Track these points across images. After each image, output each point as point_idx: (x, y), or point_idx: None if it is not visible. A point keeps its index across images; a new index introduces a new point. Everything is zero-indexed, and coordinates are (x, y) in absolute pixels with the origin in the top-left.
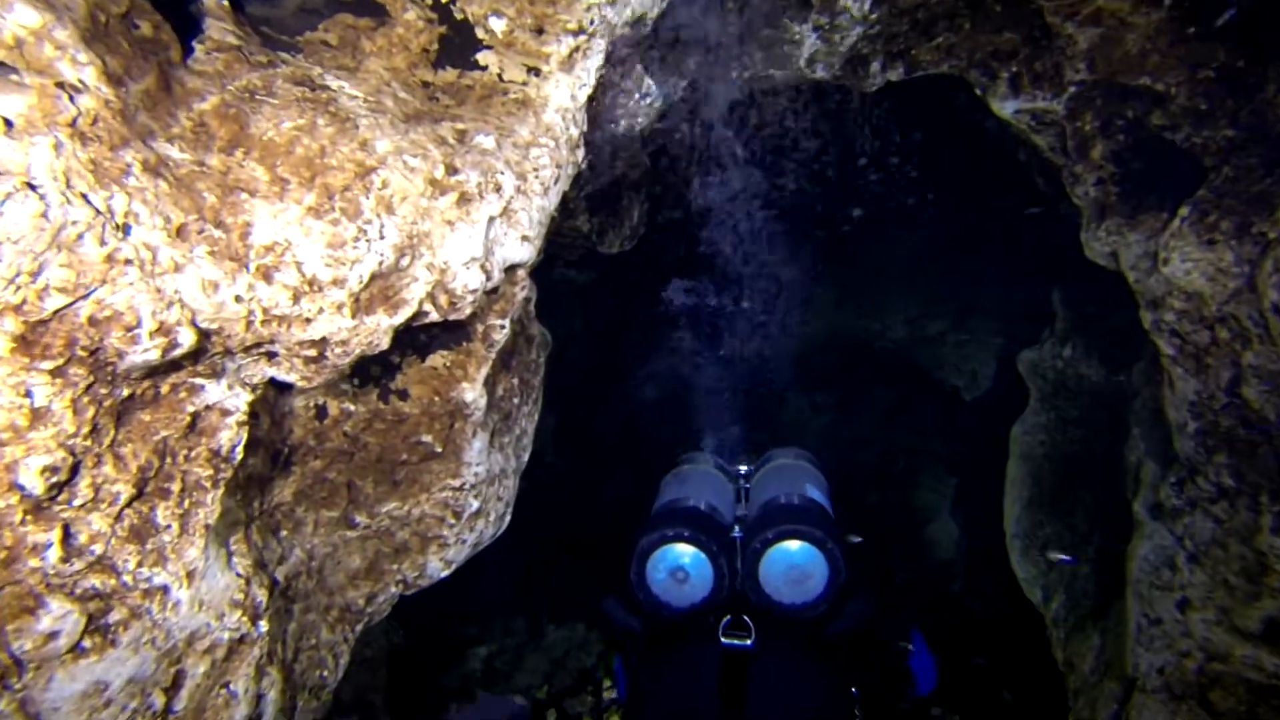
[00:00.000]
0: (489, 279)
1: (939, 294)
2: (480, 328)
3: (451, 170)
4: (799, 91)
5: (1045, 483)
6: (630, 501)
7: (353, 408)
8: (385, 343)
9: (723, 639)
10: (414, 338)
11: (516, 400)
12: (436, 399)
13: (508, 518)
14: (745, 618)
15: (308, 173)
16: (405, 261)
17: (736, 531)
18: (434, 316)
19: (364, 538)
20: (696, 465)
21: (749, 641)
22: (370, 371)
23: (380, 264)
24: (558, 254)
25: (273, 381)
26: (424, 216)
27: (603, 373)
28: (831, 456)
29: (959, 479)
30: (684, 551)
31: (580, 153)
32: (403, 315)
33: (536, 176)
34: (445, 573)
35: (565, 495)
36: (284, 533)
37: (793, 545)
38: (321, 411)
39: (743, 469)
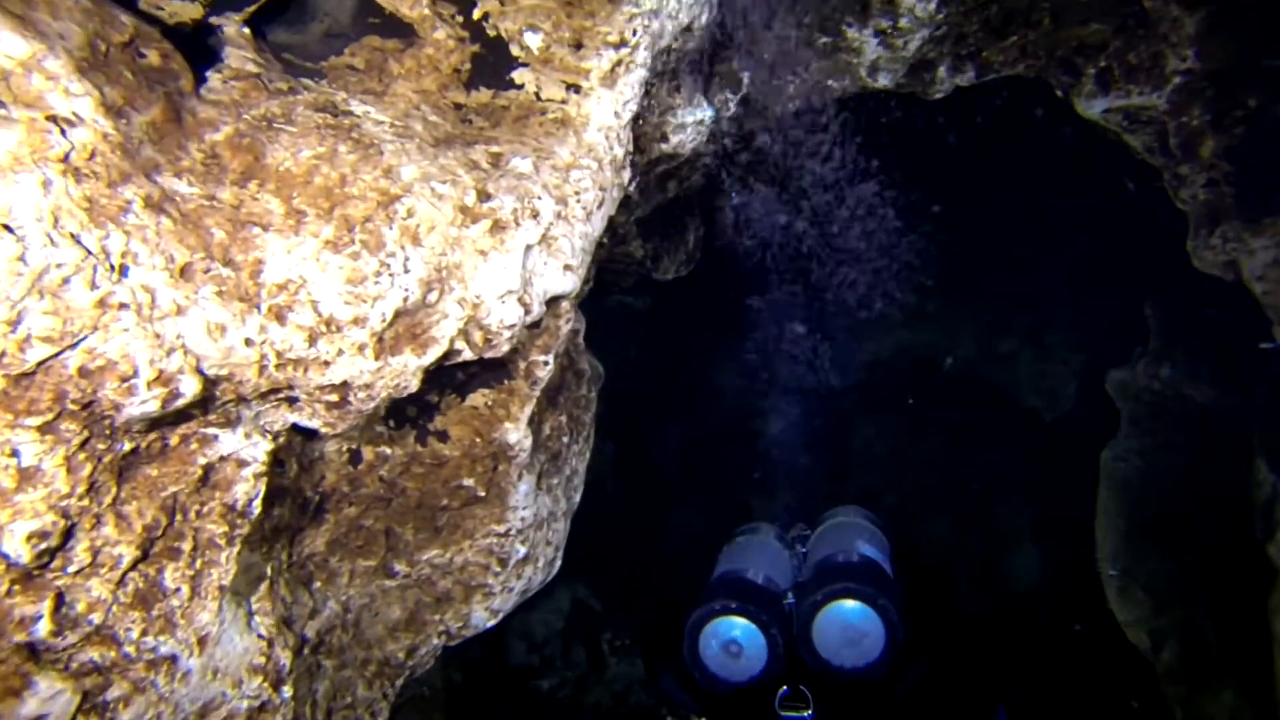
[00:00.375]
0: (528, 313)
1: (1011, 309)
2: (522, 364)
3: (484, 196)
4: (860, 101)
5: (1144, 514)
6: (691, 532)
7: (389, 451)
8: (414, 385)
9: (781, 712)
10: (451, 376)
11: (565, 439)
12: (478, 440)
13: (558, 562)
14: (803, 688)
15: (326, 204)
16: (433, 297)
17: (790, 599)
18: (468, 355)
19: (404, 587)
20: (754, 536)
21: (808, 713)
22: (406, 412)
23: (405, 300)
24: (612, 281)
25: (297, 428)
26: (454, 247)
27: (661, 401)
28: (901, 482)
29: (1040, 505)
30: (735, 624)
31: (626, 174)
32: (432, 355)
33: (578, 200)
34: (491, 623)
35: (625, 525)
36: (317, 584)
37: (846, 604)
38: (355, 456)
39: (804, 533)
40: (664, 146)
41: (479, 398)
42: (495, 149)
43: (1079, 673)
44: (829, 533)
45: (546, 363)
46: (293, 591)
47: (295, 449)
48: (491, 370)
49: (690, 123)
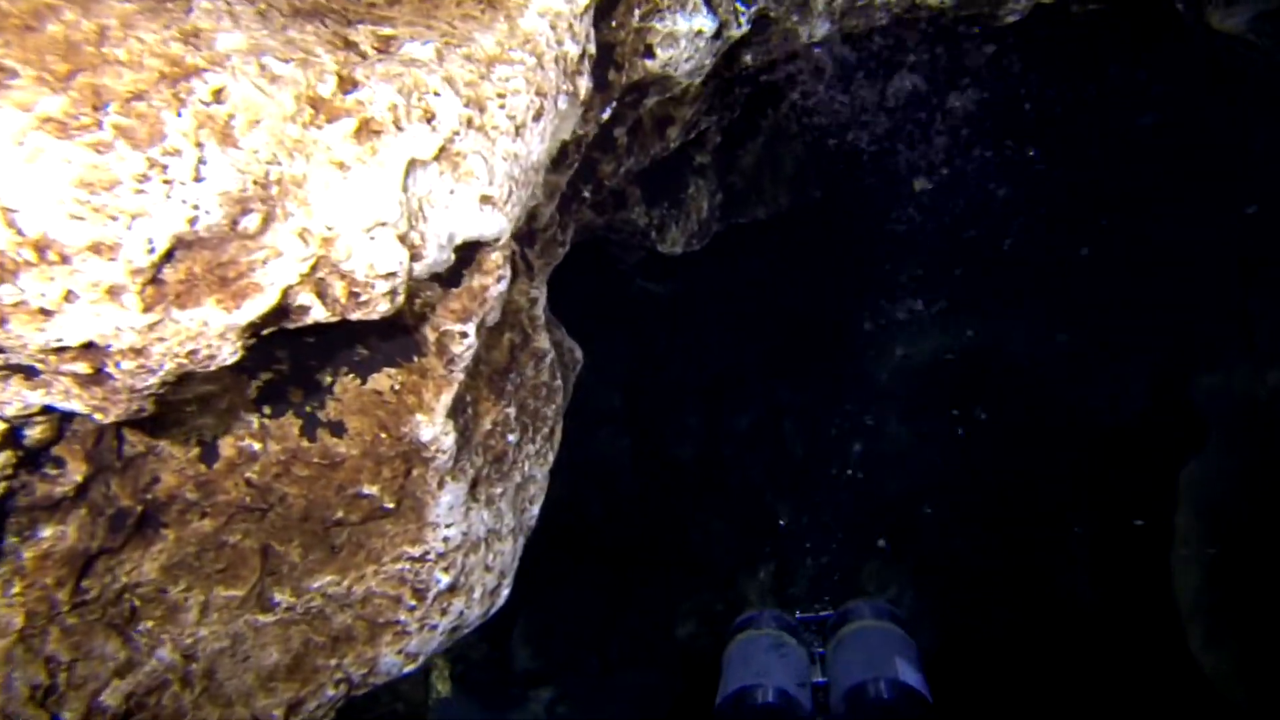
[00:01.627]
0: (418, 257)
1: (1070, 299)
2: (432, 336)
3: (349, 85)
4: (906, 27)
5: (1238, 548)
6: (714, 534)
7: (259, 446)
8: (229, 353)
9: None
10: (350, 347)
11: (513, 437)
12: (384, 436)
13: (504, 592)
14: None
15: (62, 64)
16: (252, 222)
17: None
18: (321, 314)
19: (286, 623)
20: (760, 631)
21: None
22: (288, 396)
23: (194, 223)
24: (618, 256)
25: (52, 410)
26: (294, 153)
27: (686, 397)
28: (939, 494)
29: (1091, 522)
30: None
31: (584, 83)
32: (254, 310)
33: (503, 107)
34: (409, 668)
35: (643, 524)
36: (146, 624)
37: None
38: (209, 452)
39: (820, 614)
40: (649, 64)
41: (383, 379)
42: (387, 30)
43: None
44: (854, 642)
45: (465, 335)
46: (79, 644)
47: (82, 439)
48: (394, 342)
49: (684, 32)
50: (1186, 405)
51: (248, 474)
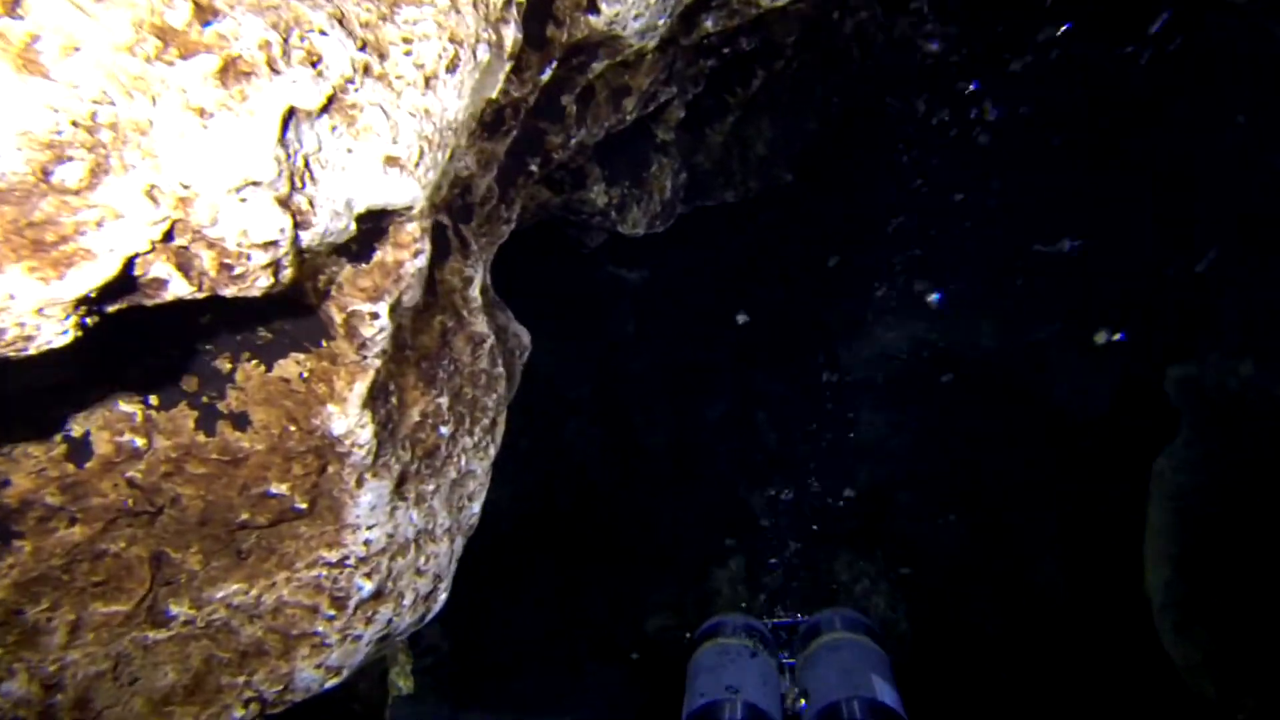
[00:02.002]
0: (308, 225)
1: (1042, 289)
2: (338, 316)
3: (206, 15)
4: None
5: (1209, 540)
6: (685, 525)
7: (142, 442)
8: (53, 333)
9: None
10: (250, 329)
11: (446, 429)
12: (293, 429)
13: (441, 596)
14: None
15: None
16: (72, 174)
17: None
18: (183, 288)
19: (184, 639)
20: (729, 640)
21: None
22: (182, 385)
23: None
24: (577, 239)
25: None
26: (133, 91)
27: (657, 386)
28: (913, 483)
29: (1062, 513)
30: None
31: (511, 33)
32: (83, 281)
33: (409, 54)
34: (331, 682)
35: (611, 514)
36: None
37: None
38: (77, 449)
39: (787, 621)
40: (593, 21)
41: (291, 366)
42: None
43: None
44: (826, 656)
45: (376, 316)
46: None
47: None
48: (301, 323)
49: None
50: (1158, 396)
51: (130, 473)
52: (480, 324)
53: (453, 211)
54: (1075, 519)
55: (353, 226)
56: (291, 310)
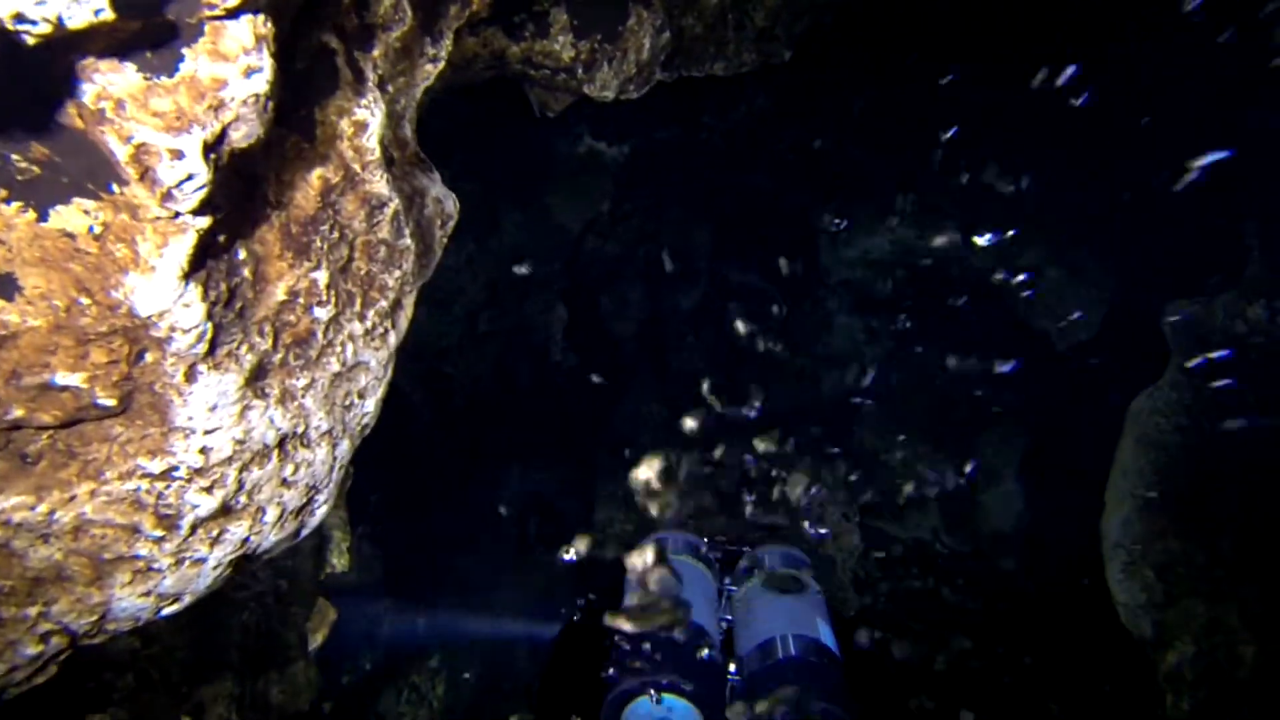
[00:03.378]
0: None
1: (1043, 211)
2: (122, 150)
3: None
4: None
5: (1176, 483)
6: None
7: None
8: None
9: None
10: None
11: (324, 311)
12: (86, 302)
13: (319, 510)
14: None
15: None
16: None
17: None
18: None
19: None
20: (672, 556)
21: None
22: None
23: None
24: (543, 101)
25: None
26: None
27: (628, 270)
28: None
29: (1031, 441)
30: (673, 707)
31: None
32: None
33: None
34: (170, 609)
35: (571, 399)
36: None
37: None
38: None
39: (727, 549)
40: None
41: (76, 216)
42: None
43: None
44: (765, 593)
45: (180, 155)
46: None
47: None
48: (74, 153)
49: None
50: (1154, 334)
51: None
52: (379, 183)
53: (344, 34)
54: (1043, 449)
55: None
56: (47, 129)
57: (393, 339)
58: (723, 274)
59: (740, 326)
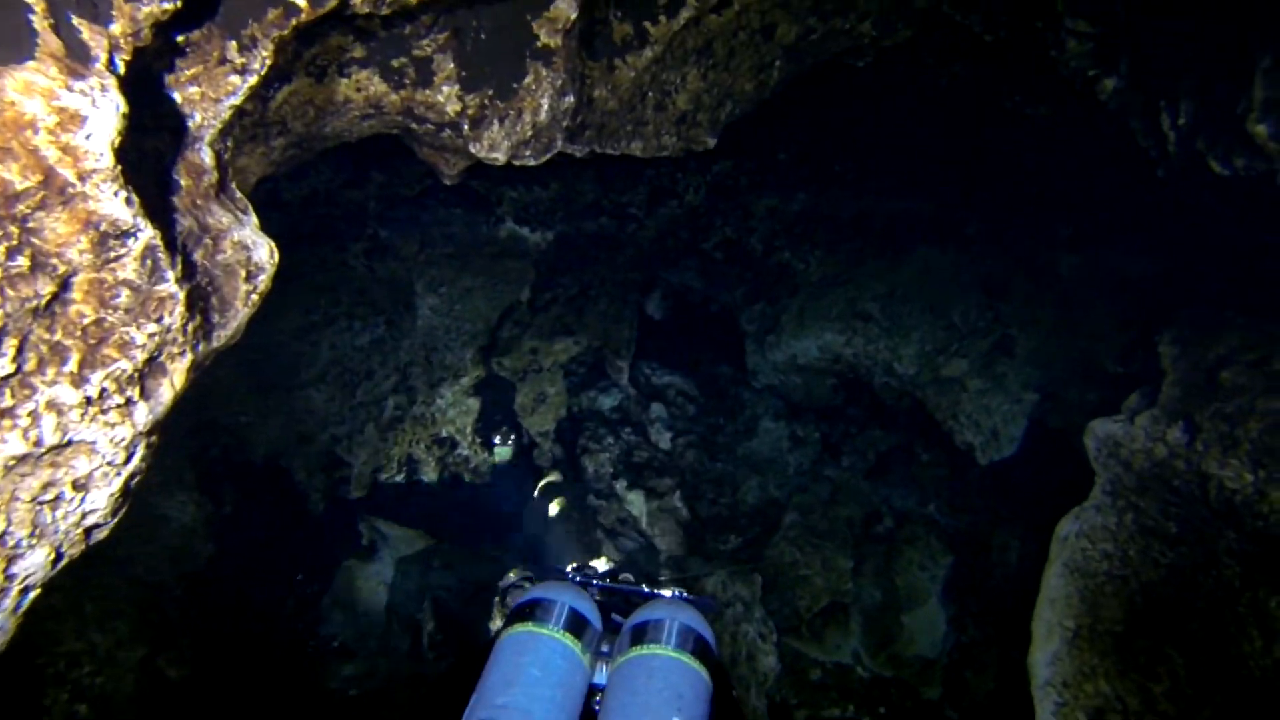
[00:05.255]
0: None
1: (969, 325)
2: None
3: None
4: None
5: (1106, 615)
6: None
7: None
8: None
9: None
10: None
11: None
12: None
13: None
14: None
15: None
16: None
17: None
18: None
19: None
20: (541, 629)
21: None
22: None
23: None
24: (434, 164)
25: None
26: None
27: (546, 361)
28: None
29: (956, 559)
30: None
31: None
32: None
33: None
34: None
35: (484, 497)
36: None
37: None
38: None
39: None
40: None
41: None
42: None
43: None
44: (634, 680)
45: None
46: None
47: None
48: None
49: None
50: (1075, 451)
51: None
52: (112, 203)
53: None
54: (967, 567)
55: None
56: None
57: (141, 414)
58: (645, 373)
59: (661, 429)
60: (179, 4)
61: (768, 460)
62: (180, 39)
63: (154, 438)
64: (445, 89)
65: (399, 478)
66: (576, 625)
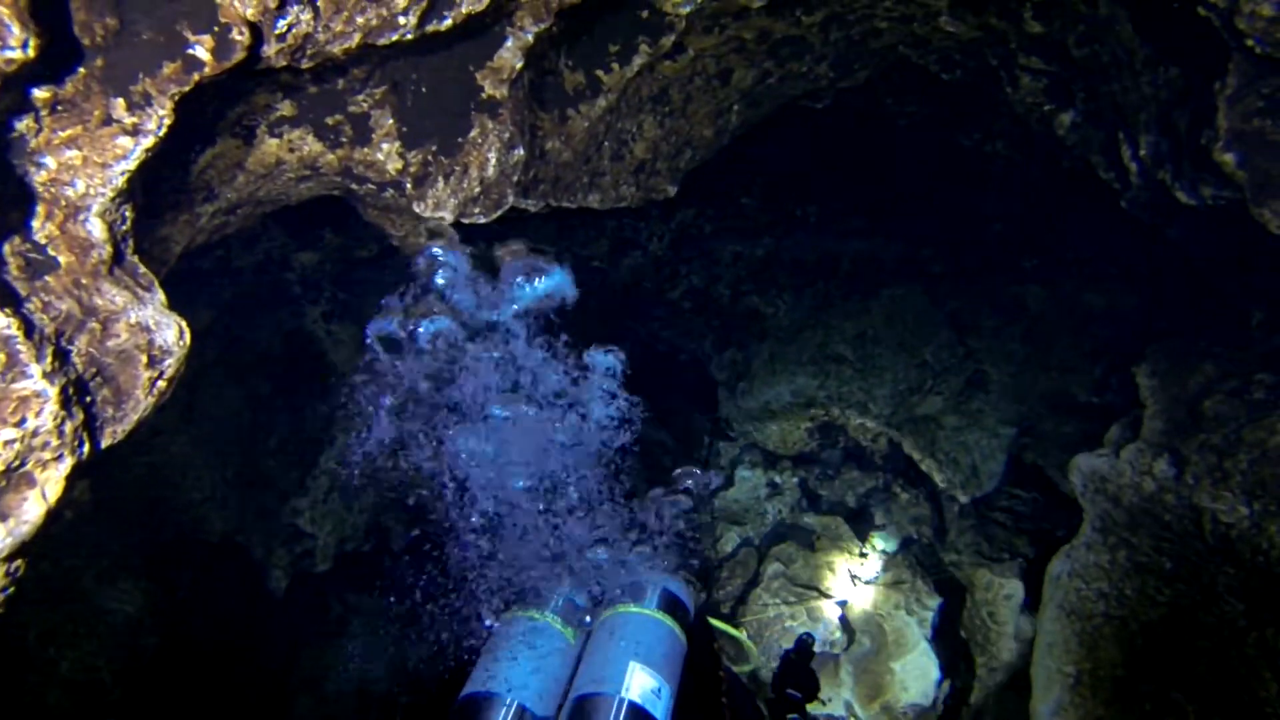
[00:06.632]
0: None
1: (941, 362)
2: None
3: None
4: None
5: (1106, 658)
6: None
7: None
8: None
9: None
10: None
11: None
12: None
13: None
14: None
15: None
16: None
17: None
18: None
19: None
20: (531, 619)
21: None
22: None
23: None
24: (382, 227)
25: None
26: None
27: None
28: (788, 554)
29: (944, 602)
30: None
31: None
32: None
33: None
34: None
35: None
36: None
37: None
38: None
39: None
40: None
41: None
42: None
43: None
44: (605, 637)
45: None
46: None
47: None
48: None
49: None
50: (1055, 484)
51: None
52: None
53: None
54: (956, 611)
55: None
56: None
57: (27, 525)
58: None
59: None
60: (30, 55)
61: (745, 509)
62: (43, 94)
63: (17, 562)
64: (385, 146)
65: (366, 547)
66: (569, 614)
